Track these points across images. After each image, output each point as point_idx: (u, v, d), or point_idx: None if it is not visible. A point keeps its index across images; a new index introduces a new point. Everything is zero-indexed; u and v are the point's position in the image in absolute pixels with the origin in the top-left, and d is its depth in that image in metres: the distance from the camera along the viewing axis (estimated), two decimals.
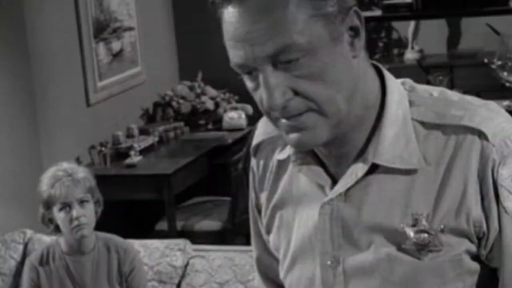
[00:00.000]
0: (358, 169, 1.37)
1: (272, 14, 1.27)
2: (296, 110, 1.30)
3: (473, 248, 1.35)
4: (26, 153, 4.57)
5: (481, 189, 1.33)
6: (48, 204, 3.14)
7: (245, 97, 4.44)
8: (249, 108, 5.47)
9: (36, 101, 4.59)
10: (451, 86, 4.71)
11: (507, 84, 4.15)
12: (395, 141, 1.36)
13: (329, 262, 1.41)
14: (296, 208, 1.46)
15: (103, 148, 4.89)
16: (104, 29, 5.21)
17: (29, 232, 3.87)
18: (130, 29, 5.48)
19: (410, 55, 5.86)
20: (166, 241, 3.72)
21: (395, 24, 6.05)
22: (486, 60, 4.23)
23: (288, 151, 1.45)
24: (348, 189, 1.38)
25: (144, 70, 5.60)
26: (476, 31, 5.65)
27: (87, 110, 5.01)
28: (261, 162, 1.53)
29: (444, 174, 1.34)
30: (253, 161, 1.56)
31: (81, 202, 3.12)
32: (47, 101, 4.67)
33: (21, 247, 3.83)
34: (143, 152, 5.01)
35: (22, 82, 4.55)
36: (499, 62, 4.11)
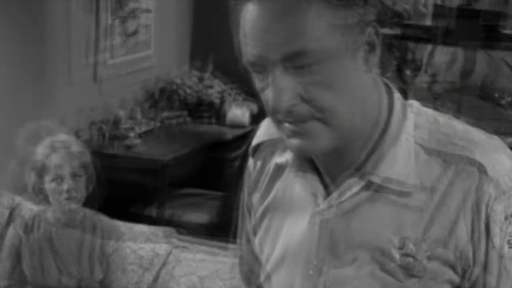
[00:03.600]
0: (354, 184, 1.36)
1: (291, 17, 1.25)
2: (301, 116, 1.29)
3: (456, 279, 1.34)
4: (27, 119, 4.58)
5: (473, 221, 1.32)
6: (41, 173, 3.13)
7: (252, 95, 4.45)
8: (254, 107, 5.48)
9: (46, 68, 4.60)
10: (458, 115, 4.72)
11: None
12: (394, 161, 1.34)
13: (311, 272, 1.40)
14: (286, 213, 1.46)
15: (103, 126, 4.91)
16: (122, 7, 5.23)
17: (17, 199, 3.87)
18: (148, 11, 5.50)
19: (422, 78, 5.86)
20: (152, 227, 3.72)
21: (412, 46, 6.04)
22: (496, 95, 4.25)
23: (287, 155, 1.44)
24: (341, 202, 1.37)
25: (155, 54, 5.62)
26: (490, 65, 5.64)
27: (93, 85, 5.03)
28: (259, 163, 1.53)
29: (438, 202, 1.33)
30: (250, 161, 1.55)
31: (74, 176, 3.12)
32: (56, 70, 4.68)
33: (7, 212, 3.83)
34: (143, 135, 5.03)
35: (34, 48, 4.57)
36: (509, 99, 4.13)
